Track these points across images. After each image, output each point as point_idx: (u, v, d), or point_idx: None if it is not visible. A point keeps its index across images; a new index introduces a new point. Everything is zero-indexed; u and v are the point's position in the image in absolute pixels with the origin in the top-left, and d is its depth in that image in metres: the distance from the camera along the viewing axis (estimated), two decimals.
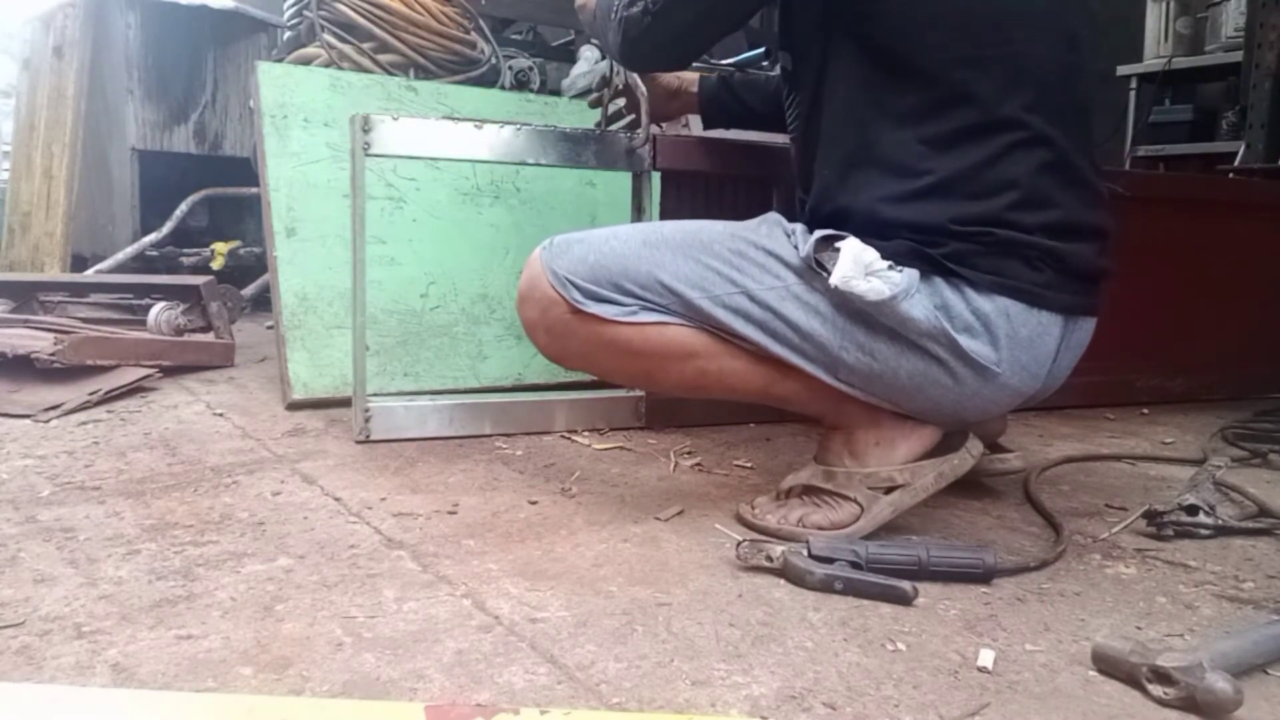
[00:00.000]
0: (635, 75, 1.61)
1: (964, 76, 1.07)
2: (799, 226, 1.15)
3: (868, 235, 1.08)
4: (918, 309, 1.05)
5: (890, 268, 1.05)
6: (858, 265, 1.05)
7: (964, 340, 1.06)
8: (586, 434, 1.70)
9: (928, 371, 1.09)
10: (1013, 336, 1.07)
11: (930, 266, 1.06)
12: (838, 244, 1.07)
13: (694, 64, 2.63)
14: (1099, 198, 1.14)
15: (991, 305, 1.06)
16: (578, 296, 1.15)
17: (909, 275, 1.05)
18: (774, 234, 1.15)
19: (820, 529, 1.15)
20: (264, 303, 2.89)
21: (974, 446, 1.18)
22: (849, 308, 1.08)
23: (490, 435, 1.65)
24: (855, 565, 1.01)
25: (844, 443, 1.19)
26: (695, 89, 1.62)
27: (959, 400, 1.11)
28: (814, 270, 1.09)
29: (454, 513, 1.23)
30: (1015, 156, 1.07)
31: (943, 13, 1.08)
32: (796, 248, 1.12)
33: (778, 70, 1.38)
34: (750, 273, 1.12)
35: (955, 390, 1.10)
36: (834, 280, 1.05)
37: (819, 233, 1.10)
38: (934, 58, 1.08)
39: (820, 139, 1.18)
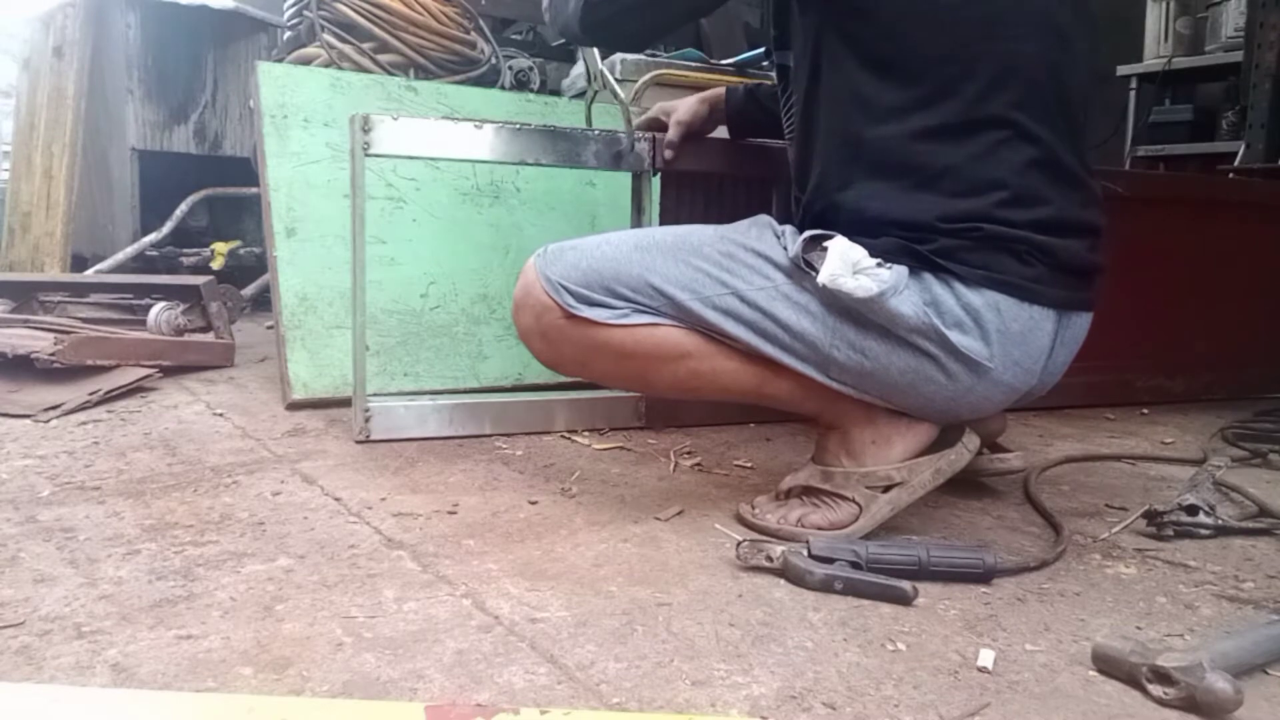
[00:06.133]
0: (663, 104, 1.63)
1: (949, 74, 1.07)
2: (788, 228, 1.16)
3: (857, 233, 1.08)
4: (906, 305, 1.05)
5: (879, 265, 1.06)
6: (845, 263, 1.05)
7: (954, 336, 1.06)
8: (586, 434, 1.70)
9: (920, 368, 1.09)
10: (1004, 331, 1.07)
11: (919, 262, 1.06)
12: (825, 243, 1.08)
13: (693, 63, 2.63)
14: (1091, 195, 1.14)
15: (981, 299, 1.06)
16: (570, 301, 1.16)
17: (897, 272, 1.06)
18: (763, 236, 1.16)
19: (820, 529, 1.15)
20: (264, 303, 2.89)
21: (970, 441, 1.18)
22: (839, 306, 1.09)
23: (490, 435, 1.65)
24: (855, 565, 1.01)
25: (840, 442, 1.20)
26: (723, 103, 1.62)
27: (953, 397, 1.12)
28: (802, 270, 1.10)
29: (454, 513, 1.23)
30: (1002, 154, 1.07)
31: (928, 11, 1.08)
32: (785, 248, 1.12)
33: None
34: (740, 274, 1.13)
35: (949, 387, 1.10)
36: (822, 279, 1.06)
37: (807, 233, 1.11)
38: (919, 55, 1.08)
39: (813, 137, 1.19)
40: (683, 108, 1.61)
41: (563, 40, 3.11)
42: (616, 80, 1.76)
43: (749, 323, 1.13)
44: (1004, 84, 1.07)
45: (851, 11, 1.11)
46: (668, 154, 1.61)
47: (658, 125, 1.66)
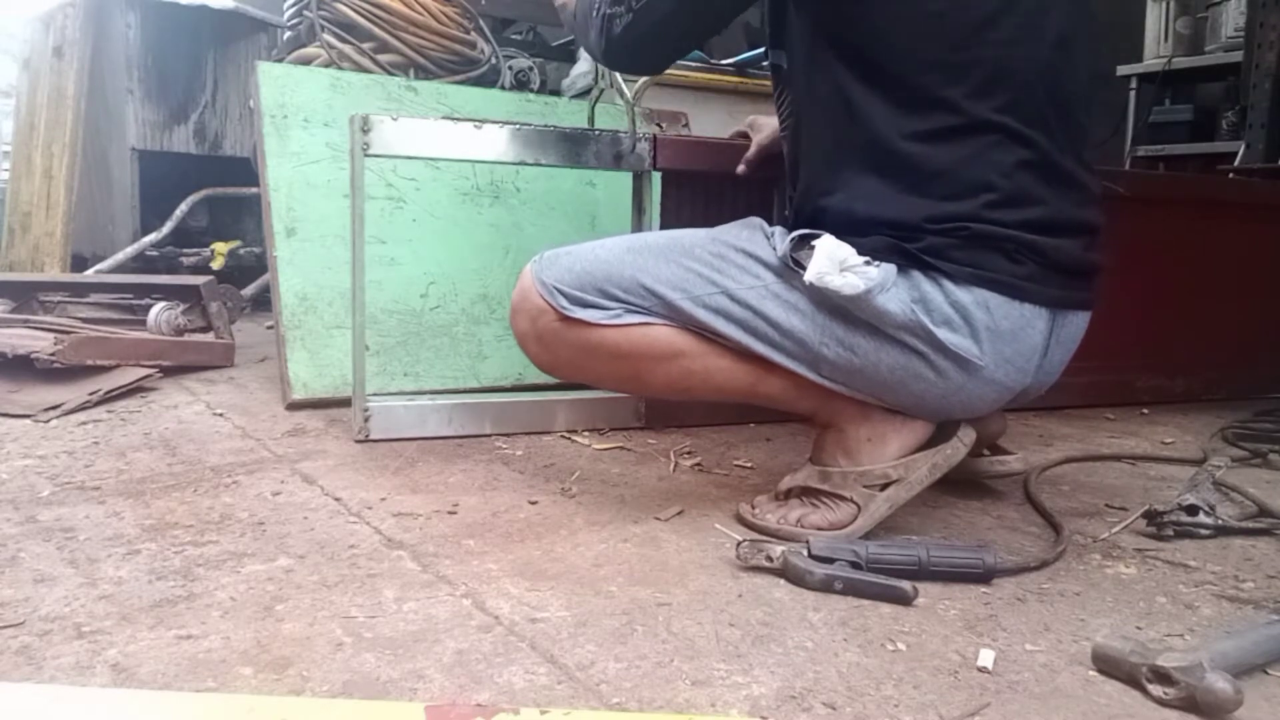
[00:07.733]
0: (755, 118, 1.64)
1: (935, 80, 1.07)
2: (777, 229, 1.17)
3: (845, 233, 1.09)
4: (893, 303, 1.06)
5: (866, 263, 1.06)
6: (832, 261, 1.06)
7: (942, 333, 1.07)
8: (586, 434, 1.70)
9: (909, 365, 1.09)
10: (993, 329, 1.07)
11: (907, 260, 1.07)
12: (813, 242, 1.08)
13: (693, 63, 2.63)
14: (1088, 195, 1.14)
15: (970, 297, 1.06)
16: (564, 303, 1.17)
17: (885, 270, 1.06)
18: (753, 237, 1.17)
19: (819, 529, 1.15)
20: (264, 303, 2.89)
21: (966, 435, 1.18)
22: (827, 304, 1.09)
23: (490, 435, 1.65)
24: (855, 565, 1.01)
25: (836, 441, 1.20)
26: None
27: (944, 394, 1.12)
28: (791, 268, 1.10)
29: (454, 513, 1.23)
30: (991, 157, 1.07)
31: (915, 18, 1.08)
32: (774, 248, 1.13)
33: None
34: (730, 273, 1.14)
35: (939, 384, 1.10)
36: (809, 276, 1.06)
37: (796, 232, 1.11)
38: (906, 62, 1.08)
39: (805, 138, 1.20)
40: (767, 129, 1.60)
41: (564, 40, 3.11)
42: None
43: (739, 321, 1.13)
44: (993, 88, 1.06)
45: (843, 16, 1.11)
46: (741, 169, 1.63)
47: (744, 136, 1.67)
